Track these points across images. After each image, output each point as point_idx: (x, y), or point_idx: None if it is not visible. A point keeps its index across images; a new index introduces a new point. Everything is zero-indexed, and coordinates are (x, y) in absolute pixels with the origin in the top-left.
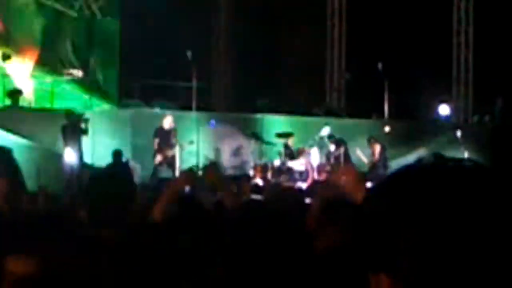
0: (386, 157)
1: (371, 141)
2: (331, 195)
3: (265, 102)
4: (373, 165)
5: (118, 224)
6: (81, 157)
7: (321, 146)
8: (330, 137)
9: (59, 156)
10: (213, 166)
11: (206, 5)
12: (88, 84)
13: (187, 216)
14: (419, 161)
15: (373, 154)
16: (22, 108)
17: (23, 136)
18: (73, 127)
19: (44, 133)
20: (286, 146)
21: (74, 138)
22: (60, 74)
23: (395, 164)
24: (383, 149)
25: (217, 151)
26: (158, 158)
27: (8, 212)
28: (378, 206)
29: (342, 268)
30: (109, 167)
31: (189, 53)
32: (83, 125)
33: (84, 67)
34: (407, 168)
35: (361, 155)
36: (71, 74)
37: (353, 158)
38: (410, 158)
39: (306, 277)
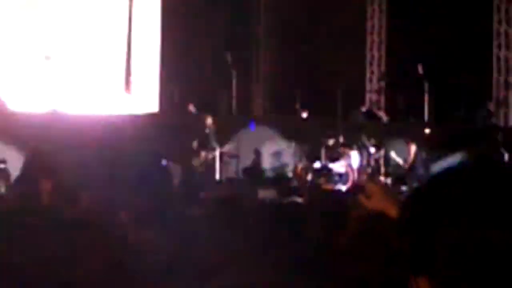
0: (426, 158)
1: (407, 141)
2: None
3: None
4: (410, 167)
5: (159, 226)
6: None
7: (361, 149)
8: (370, 139)
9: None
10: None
11: (247, 10)
12: None
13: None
14: (460, 164)
15: (408, 154)
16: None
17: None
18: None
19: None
20: (326, 148)
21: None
22: None
23: (436, 167)
24: (418, 150)
25: (257, 153)
26: (198, 160)
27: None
28: (417, 210)
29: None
30: (149, 169)
31: (229, 56)
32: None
33: None
34: (446, 172)
35: (396, 157)
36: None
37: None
38: (451, 160)
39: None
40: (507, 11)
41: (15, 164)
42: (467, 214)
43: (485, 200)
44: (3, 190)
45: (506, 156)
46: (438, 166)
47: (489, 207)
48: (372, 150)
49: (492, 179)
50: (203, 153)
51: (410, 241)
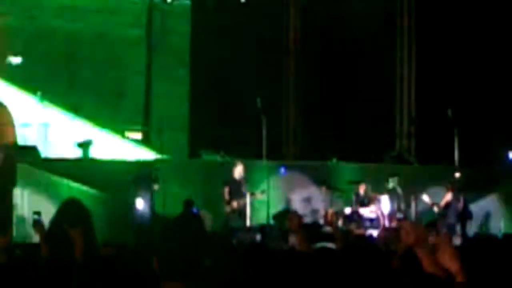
0: (461, 206)
1: (447, 186)
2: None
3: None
4: (440, 213)
5: (189, 277)
6: (152, 207)
7: (392, 194)
8: (400, 184)
9: (130, 207)
10: (296, 214)
11: (275, 53)
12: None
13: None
14: None
15: (442, 199)
16: (93, 159)
17: (95, 187)
18: (145, 177)
19: (116, 184)
20: (356, 194)
21: (146, 188)
22: None
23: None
24: (455, 197)
25: (288, 199)
26: (229, 207)
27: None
28: None
29: None
30: (180, 217)
31: (258, 101)
32: (153, 175)
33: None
34: None
35: (428, 200)
36: None
37: (421, 205)
38: (482, 204)
39: None
40: None
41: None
42: None
43: None
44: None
45: None
46: (475, 206)
47: None
48: (402, 194)
49: None
50: (234, 200)
51: None
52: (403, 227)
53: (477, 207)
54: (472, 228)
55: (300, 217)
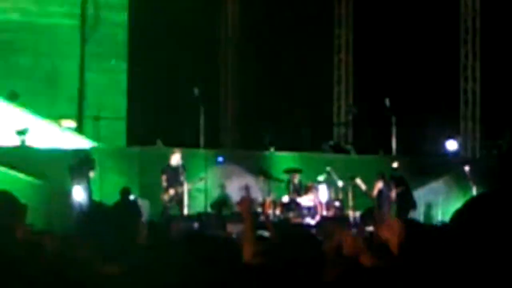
0: (393, 195)
1: (378, 177)
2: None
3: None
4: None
5: (122, 260)
6: (90, 195)
7: (329, 182)
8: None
9: (68, 195)
10: (248, 198)
11: (211, 42)
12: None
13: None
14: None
15: (373, 188)
16: (30, 147)
17: (32, 175)
18: (81, 166)
19: (52, 172)
20: (292, 183)
21: (83, 176)
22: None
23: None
24: (385, 186)
25: (225, 188)
26: (167, 195)
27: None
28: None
29: None
30: (117, 205)
31: (196, 90)
32: (90, 163)
33: None
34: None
35: (361, 184)
36: None
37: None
38: (418, 194)
39: None
40: (473, 44)
41: None
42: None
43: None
44: None
45: (474, 189)
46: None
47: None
48: (340, 183)
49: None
50: (171, 188)
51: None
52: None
53: (416, 197)
54: (416, 218)
55: (251, 202)
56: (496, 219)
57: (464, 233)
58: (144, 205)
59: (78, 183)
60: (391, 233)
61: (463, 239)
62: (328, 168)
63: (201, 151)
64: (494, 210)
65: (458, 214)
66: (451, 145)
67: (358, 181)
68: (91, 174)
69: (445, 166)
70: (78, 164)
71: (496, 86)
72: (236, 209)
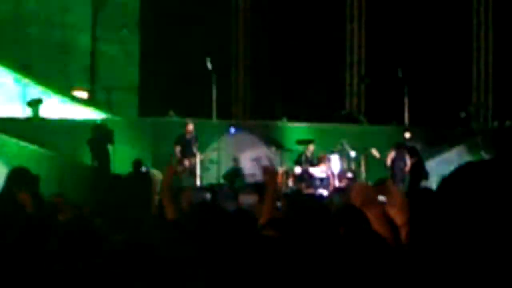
0: (406, 164)
1: (392, 147)
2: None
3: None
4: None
5: (132, 230)
6: (108, 167)
7: (342, 153)
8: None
9: (83, 166)
10: (273, 170)
11: (224, 13)
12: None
13: (207, 223)
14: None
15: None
16: (42, 118)
17: (45, 146)
18: (100, 139)
19: (65, 143)
20: (305, 154)
21: (101, 149)
22: None
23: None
24: (398, 156)
25: (237, 159)
26: (181, 166)
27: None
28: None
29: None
30: (129, 176)
31: (208, 61)
32: (109, 136)
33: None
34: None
35: (376, 153)
36: None
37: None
38: (430, 164)
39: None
40: (486, 14)
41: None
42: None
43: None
44: None
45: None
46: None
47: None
48: (353, 154)
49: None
50: (186, 159)
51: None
52: (353, 188)
53: (428, 167)
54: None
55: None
56: (483, 186)
57: (449, 199)
58: (157, 176)
59: (97, 156)
60: (397, 213)
61: (448, 205)
62: (342, 140)
63: (214, 121)
64: (481, 177)
65: (445, 181)
66: (464, 115)
67: (374, 151)
68: (109, 147)
69: (457, 137)
70: (97, 137)
71: (509, 56)
72: (248, 180)
